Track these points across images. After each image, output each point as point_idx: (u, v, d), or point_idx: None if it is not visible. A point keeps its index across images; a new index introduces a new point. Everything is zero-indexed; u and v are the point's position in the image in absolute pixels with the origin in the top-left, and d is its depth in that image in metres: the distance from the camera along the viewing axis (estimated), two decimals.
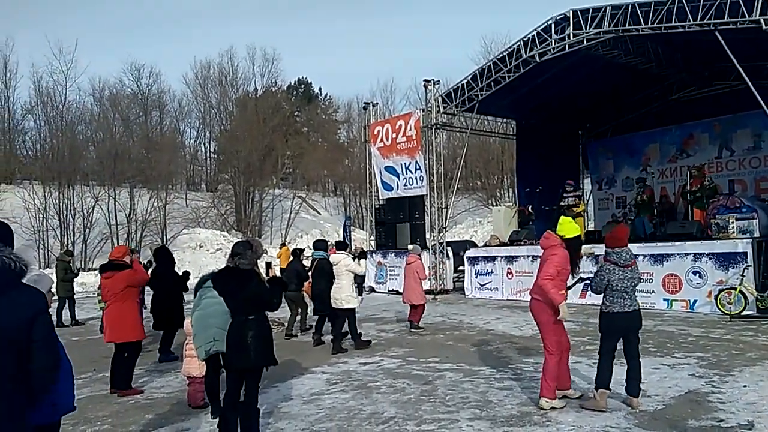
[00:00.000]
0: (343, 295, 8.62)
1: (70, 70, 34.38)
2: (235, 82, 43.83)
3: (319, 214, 43.60)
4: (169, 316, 8.41)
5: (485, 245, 17.23)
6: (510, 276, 14.55)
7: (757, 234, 10.89)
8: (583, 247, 5.76)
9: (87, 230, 28.54)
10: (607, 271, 5.21)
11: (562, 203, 15.75)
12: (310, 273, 9.84)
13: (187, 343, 6.01)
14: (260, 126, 39.57)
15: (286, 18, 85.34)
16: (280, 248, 23.92)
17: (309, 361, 7.96)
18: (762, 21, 9.88)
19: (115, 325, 6.65)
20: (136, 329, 6.74)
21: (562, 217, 5.84)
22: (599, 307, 5.37)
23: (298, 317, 10.55)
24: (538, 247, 15.22)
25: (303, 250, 11.56)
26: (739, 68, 10.70)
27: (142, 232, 30.41)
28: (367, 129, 19.30)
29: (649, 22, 11.62)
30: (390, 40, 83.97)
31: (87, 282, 22.35)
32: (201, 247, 28.99)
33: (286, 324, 10.44)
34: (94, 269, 22.74)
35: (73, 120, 34.18)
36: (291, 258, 10.92)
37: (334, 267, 8.77)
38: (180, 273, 8.95)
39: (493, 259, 15.12)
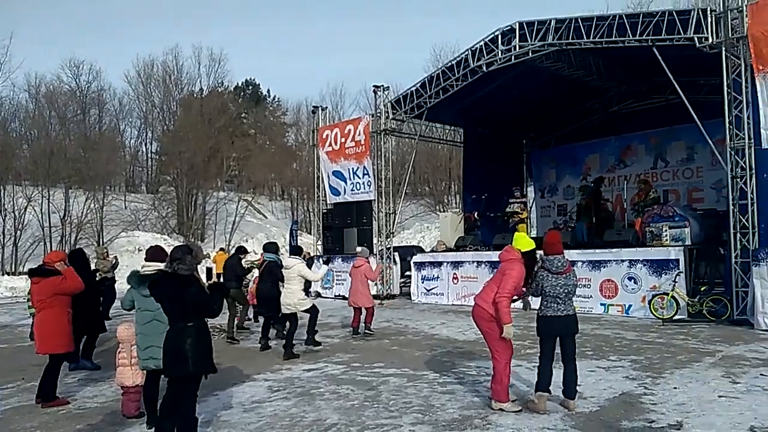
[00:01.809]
0: (295, 300, 8.47)
1: (4, 65, 32.82)
2: (180, 82, 42.83)
3: (266, 217, 43.03)
4: (86, 323, 7.97)
5: (432, 251, 17.39)
6: (456, 281, 14.73)
7: (688, 242, 11.43)
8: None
9: (18, 232, 27.12)
10: (540, 277, 5.38)
11: (507, 210, 16.09)
12: (258, 273, 9.69)
13: (119, 352, 5.76)
14: (205, 127, 38.75)
15: (235, 18, 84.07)
16: (217, 253, 23.47)
17: (251, 367, 7.80)
18: (695, 39, 10.40)
19: (44, 335, 6.29)
20: (64, 340, 6.36)
21: (516, 232, 5.91)
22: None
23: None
24: (483, 253, 15.40)
25: (246, 249, 11.41)
26: (675, 83, 11.21)
27: (77, 234, 29.15)
28: (315, 133, 19.18)
29: (591, 37, 12.04)
30: (341, 44, 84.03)
31: (17, 286, 21.27)
32: (140, 250, 27.99)
33: (226, 329, 10.20)
34: (26, 273, 21.64)
35: (5, 116, 32.54)
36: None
37: (286, 271, 8.60)
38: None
39: (439, 264, 15.27)
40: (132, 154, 44.05)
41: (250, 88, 53.50)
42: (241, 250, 11.25)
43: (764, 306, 9.21)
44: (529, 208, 18.85)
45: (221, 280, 21.44)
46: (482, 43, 14.05)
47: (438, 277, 15.24)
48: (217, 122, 40.59)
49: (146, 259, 5.42)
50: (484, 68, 14.14)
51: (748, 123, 9.86)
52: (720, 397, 5.64)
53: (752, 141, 9.84)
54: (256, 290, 10.00)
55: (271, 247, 9.66)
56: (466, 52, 14.50)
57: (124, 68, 73.83)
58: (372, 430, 5.09)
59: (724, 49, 10.12)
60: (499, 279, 5.37)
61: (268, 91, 54.68)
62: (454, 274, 14.78)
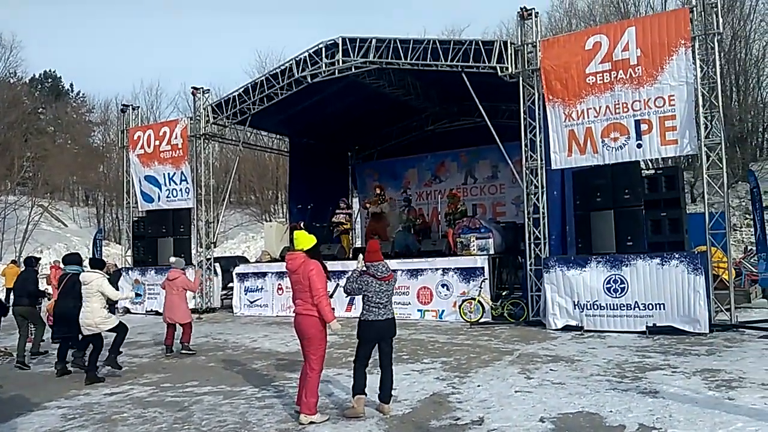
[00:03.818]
0: (96, 319, 7.55)
1: None
2: None
3: (65, 226, 38.59)
4: None
5: (257, 261, 16.95)
6: (280, 292, 14.50)
7: (492, 252, 12.56)
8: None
9: None
10: (366, 282, 5.51)
11: (333, 220, 16.29)
12: (53, 288, 8.59)
13: None
14: None
15: (31, 1, 74.37)
16: (8, 266, 20.51)
17: (41, 394, 6.83)
18: (498, 68, 11.52)
19: None
20: None
21: (295, 231, 5.91)
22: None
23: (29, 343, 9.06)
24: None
25: (39, 258, 10.02)
26: (480, 107, 12.30)
27: None
28: (126, 133, 17.66)
29: (409, 58, 12.75)
30: (158, 40, 78.73)
31: None
32: None
33: (14, 353, 8.86)
34: None
35: None
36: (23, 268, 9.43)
37: (84, 286, 7.66)
38: None
39: (263, 275, 14.92)
40: None
41: (50, 80, 47.83)
42: (33, 261, 9.82)
43: (553, 308, 10.41)
44: (353, 219, 19.32)
45: (11, 296, 18.68)
46: (307, 54, 14.14)
47: (262, 288, 14.87)
48: (8, 117, 35.58)
49: None
50: (309, 79, 14.23)
51: (541, 146, 11.16)
52: (516, 392, 6.20)
53: (543, 162, 11.14)
54: (53, 308, 8.83)
55: (73, 258, 8.61)
56: (291, 62, 14.47)
57: None
58: None
59: (521, 79, 11.36)
60: (306, 284, 5.37)
61: (71, 85, 49.43)
62: (279, 284, 14.54)
